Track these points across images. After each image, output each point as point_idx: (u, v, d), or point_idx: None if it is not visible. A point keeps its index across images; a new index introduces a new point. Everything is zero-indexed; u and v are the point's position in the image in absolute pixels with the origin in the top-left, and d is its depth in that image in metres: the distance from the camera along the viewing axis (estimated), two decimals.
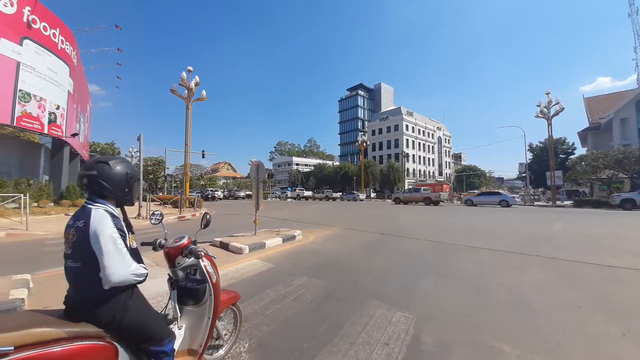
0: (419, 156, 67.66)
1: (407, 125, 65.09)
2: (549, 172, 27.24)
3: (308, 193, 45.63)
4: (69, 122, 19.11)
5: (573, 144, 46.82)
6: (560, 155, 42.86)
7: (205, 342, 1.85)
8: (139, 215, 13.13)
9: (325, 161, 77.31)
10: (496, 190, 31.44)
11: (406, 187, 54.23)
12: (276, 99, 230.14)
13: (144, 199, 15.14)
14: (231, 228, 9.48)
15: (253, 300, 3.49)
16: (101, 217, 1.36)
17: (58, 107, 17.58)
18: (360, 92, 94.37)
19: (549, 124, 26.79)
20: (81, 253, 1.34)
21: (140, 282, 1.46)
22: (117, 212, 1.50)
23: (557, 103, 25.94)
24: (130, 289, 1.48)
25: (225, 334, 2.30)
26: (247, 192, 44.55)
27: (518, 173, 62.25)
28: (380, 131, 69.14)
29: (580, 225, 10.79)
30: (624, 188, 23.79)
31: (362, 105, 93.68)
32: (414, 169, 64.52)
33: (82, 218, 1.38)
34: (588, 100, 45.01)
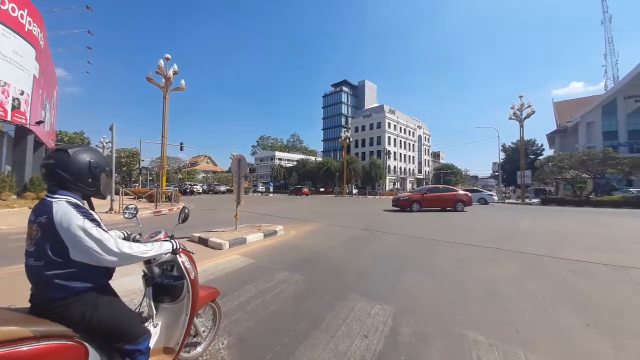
0: (400, 154, 69.10)
1: (389, 123, 66.15)
2: (520, 171, 28.80)
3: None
4: (34, 108, 17.71)
5: (542, 145, 49.84)
6: (530, 156, 45.44)
7: (182, 339, 1.80)
8: (111, 209, 12.49)
9: (308, 157, 77.12)
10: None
11: (387, 184, 55.39)
12: (259, 93, 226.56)
13: (117, 193, 14.42)
14: (211, 223, 9.25)
15: (233, 296, 3.44)
16: (65, 210, 1.26)
17: (22, 93, 16.22)
18: (344, 88, 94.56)
19: (521, 126, 28.25)
20: (45, 251, 1.24)
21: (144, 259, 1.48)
22: (82, 203, 1.40)
23: (529, 106, 27.38)
24: (100, 286, 1.41)
25: (204, 331, 2.25)
26: (229, 187, 43.55)
27: (492, 172, 65.33)
28: (363, 128, 69.82)
29: (550, 222, 11.51)
30: (587, 188, 25.60)
31: (345, 101, 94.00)
32: (395, 166, 65.86)
33: (43, 213, 1.28)
34: (557, 104, 47.85)
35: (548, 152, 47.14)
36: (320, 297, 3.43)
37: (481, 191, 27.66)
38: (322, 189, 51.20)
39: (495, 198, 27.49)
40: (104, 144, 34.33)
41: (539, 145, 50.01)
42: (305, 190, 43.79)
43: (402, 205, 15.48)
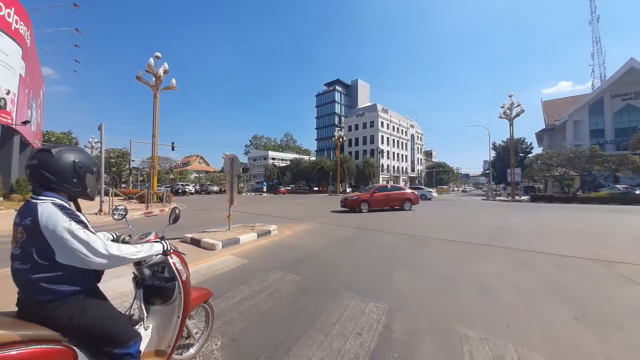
0: (393, 152, 69.53)
1: (382, 122, 66.45)
2: (510, 169, 29.34)
3: None
4: (20, 108, 17.24)
5: (531, 143, 50.62)
6: (520, 154, 46.15)
7: (174, 342, 1.78)
8: (100, 210, 12.25)
9: (301, 156, 76.94)
10: None
11: (381, 183, 55.69)
12: (253, 92, 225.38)
13: (106, 194, 14.15)
14: (203, 224, 9.16)
15: (226, 297, 3.41)
16: (50, 212, 1.24)
17: (8, 92, 15.79)
18: (337, 87, 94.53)
19: (511, 125, 28.68)
20: (31, 254, 1.22)
21: (133, 260, 1.46)
22: (69, 204, 1.37)
23: (519, 105, 27.80)
24: (88, 289, 1.39)
25: (197, 333, 2.23)
26: (222, 188, 43.43)
27: (482, 170, 66.36)
28: (357, 127, 69.99)
29: (538, 218, 11.74)
30: (574, 185, 26.18)
31: (339, 100, 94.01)
32: (388, 165, 66.24)
33: (28, 215, 1.25)
34: (546, 103, 48.83)
35: (537, 150, 48.05)
36: (314, 296, 3.43)
37: (422, 188, 32.35)
38: (315, 188, 51.33)
39: (434, 194, 33.21)
40: (93, 144, 33.63)
41: (528, 144, 50.80)
42: (282, 189, 47.22)
43: (351, 206, 14.27)
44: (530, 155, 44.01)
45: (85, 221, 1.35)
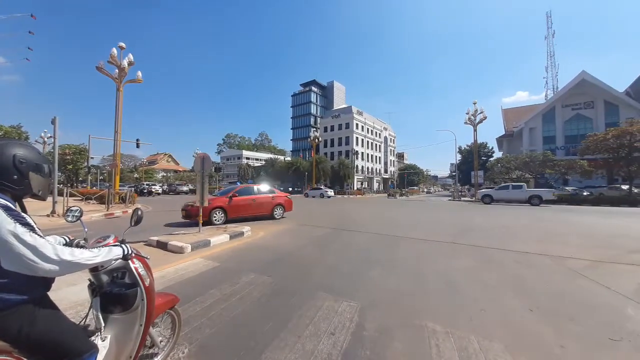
0: (367, 154, 71.12)
1: (357, 124, 67.74)
2: (474, 171, 31.27)
3: None
4: None
5: (492, 148, 54.39)
6: (483, 158, 49.37)
7: (136, 352, 1.66)
8: (53, 212, 11.19)
9: (276, 156, 76.13)
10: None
11: (355, 184, 56.76)
12: (227, 90, 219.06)
13: (60, 194, 12.98)
14: (171, 226, 8.73)
15: (195, 302, 3.27)
16: None
17: None
18: (313, 88, 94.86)
19: (475, 130, 30.56)
20: None
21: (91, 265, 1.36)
22: (14, 205, 1.25)
23: (482, 112, 29.73)
24: (37, 298, 1.28)
25: (161, 341, 2.10)
26: (192, 187, 41.76)
27: (449, 172, 70.09)
28: (332, 128, 70.71)
29: (498, 218, 12.60)
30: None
31: (315, 101, 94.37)
32: (362, 166, 67.61)
33: None
34: (505, 111, 52.80)
35: (498, 154, 51.78)
36: (287, 298, 3.40)
37: (320, 188, 36.66)
38: (290, 189, 51.08)
39: (330, 193, 37.26)
40: (45, 139, 30.64)
41: (490, 148, 54.54)
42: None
43: (196, 215, 8.15)
44: (491, 158, 47.21)
45: (32, 223, 1.23)
